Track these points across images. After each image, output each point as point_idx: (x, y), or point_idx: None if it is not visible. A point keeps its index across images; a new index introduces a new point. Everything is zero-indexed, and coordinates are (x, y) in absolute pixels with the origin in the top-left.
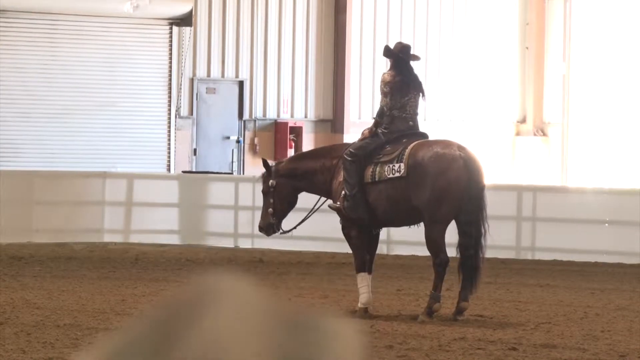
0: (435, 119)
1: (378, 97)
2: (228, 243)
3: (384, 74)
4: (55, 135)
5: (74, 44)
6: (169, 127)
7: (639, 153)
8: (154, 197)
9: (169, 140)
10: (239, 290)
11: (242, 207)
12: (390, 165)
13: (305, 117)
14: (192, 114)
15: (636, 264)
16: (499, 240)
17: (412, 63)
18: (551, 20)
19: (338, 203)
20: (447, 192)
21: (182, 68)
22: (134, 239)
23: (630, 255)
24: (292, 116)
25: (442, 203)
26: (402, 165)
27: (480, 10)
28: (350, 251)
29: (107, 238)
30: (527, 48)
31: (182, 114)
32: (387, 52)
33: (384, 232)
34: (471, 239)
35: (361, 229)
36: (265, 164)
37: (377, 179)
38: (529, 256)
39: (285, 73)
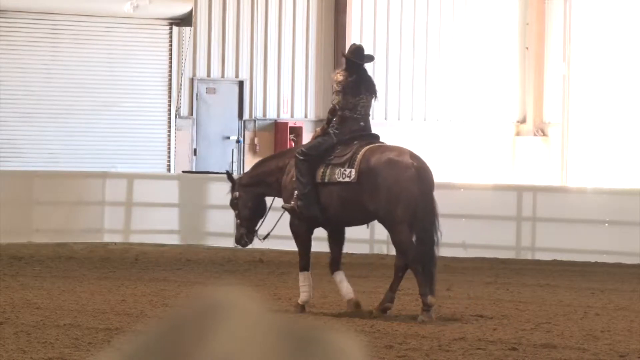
0: (435, 119)
1: (379, 97)
2: (228, 243)
3: (337, 72)
4: (55, 135)
5: (75, 44)
6: (169, 127)
7: (639, 153)
8: (154, 197)
9: (169, 140)
10: (246, 305)
11: None
12: (341, 169)
13: (305, 117)
14: (192, 114)
15: (636, 264)
16: (499, 240)
17: (377, 62)
18: (551, 21)
19: (292, 202)
20: (400, 197)
21: (182, 68)
22: (134, 239)
23: (630, 255)
24: (292, 116)
25: (397, 206)
26: (353, 171)
27: (480, 11)
28: (349, 251)
29: (107, 238)
30: (527, 48)
31: (182, 114)
32: (342, 53)
33: (384, 233)
34: (425, 245)
35: (310, 228)
36: (228, 177)
37: (327, 180)
38: (529, 256)
39: (285, 73)
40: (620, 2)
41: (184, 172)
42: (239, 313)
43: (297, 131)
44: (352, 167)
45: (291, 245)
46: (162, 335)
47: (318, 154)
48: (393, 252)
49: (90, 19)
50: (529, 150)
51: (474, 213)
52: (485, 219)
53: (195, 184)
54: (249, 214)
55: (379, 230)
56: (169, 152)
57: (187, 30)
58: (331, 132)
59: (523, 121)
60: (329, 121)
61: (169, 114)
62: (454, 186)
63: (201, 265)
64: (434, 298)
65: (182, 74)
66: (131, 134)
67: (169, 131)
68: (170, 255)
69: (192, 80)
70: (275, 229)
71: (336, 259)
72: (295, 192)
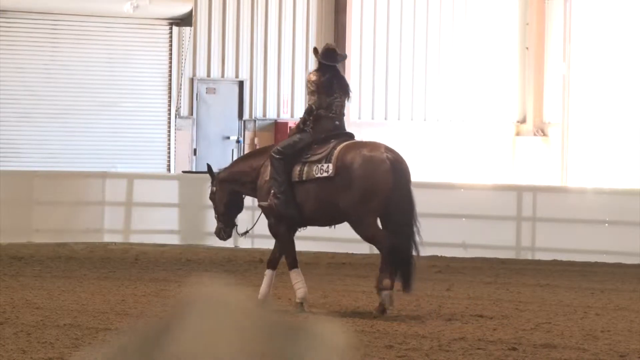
0: (435, 119)
1: (379, 97)
2: (228, 243)
3: (310, 73)
4: (55, 135)
5: (75, 44)
6: (169, 127)
7: (639, 153)
8: (154, 197)
9: (169, 140)
10: (220, 296)
11: None
12: (319, 165)
13: None
14: (192, 114)
15: (636, 264)
16: (499, 240)
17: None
18: (551, 21)
19: (269, 201)
20: (374, 193)
21: (182, 68)
22: (134, 239)
23: (630, 255)
24: (292, 116)
25: (371, 200)
26: (331, 165)
27: (480, 11)
28: (349, 251)
29: (107, 238)
30: (527, 48)
31: (182, 114)
32: (315, 53)
33: None
34: (399, 238)
35: (289, 227)
36: (209, 170)
37: (304, 178)
38: (529, 256)
39: (285, 73)
40: (620, 2)
41: (184, 172)
42: (210, 307)
43: None
44: (330, 162)
45: None
46: (134, 340)
47: (294, 153)
48: None
49: (90, 19)
50: (529, 150)
51: (474, 213)
52: (485, 219)
53: (195, 184)
54: (223, 209)
55: None
56: (169, 152)
57: (187, 30)
58: (307, 130)
59: (523, 121)
60: (304, 120)
61: (169, 114)
62: (454, 186)
63: (201, 265)
64: (390, 282)
65: (182, 74)
66: (131, 134)
67: (169, 131)
68: (170, 256)
69: (192, 80)
70: None
71: (277, 259)
72: (272, 191)
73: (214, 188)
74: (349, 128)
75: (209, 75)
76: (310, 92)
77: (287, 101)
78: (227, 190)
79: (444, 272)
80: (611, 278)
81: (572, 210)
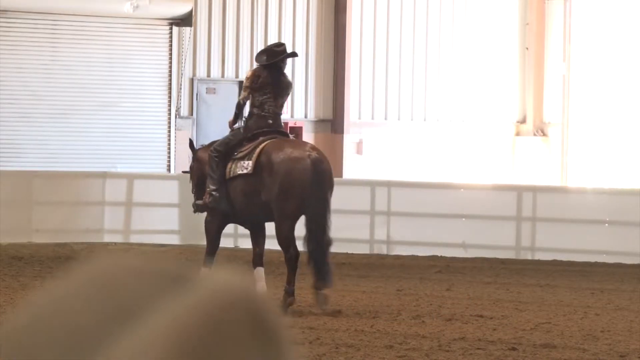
0: (435, 119)
1: (379, 97)
2: (228, 243)
3: (249, 70)
4: (55, 135)
5: (75, 44)
6: (169, 127)
7: (639, 153)
8: (154, 197)
9: (169, 140)
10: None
11: None
12: (242, 162)
13: (305, 117)
14: (192, 114)
15: (636, 264)
16: (499, 240)
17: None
18: (551, 21)
19: (203, 199)
20: (292, 190)
21: (182, 68)
22: (134, 239)
23: (630, 255)
24: (292, 116)
25: (288, 200)
26: (251, 162)
27: (480, 11)
28: (349, 251)
29: (107, 238)
30: (527, 48)
31: (182, 114)
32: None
33: (383, 232)
34: (314, 234)
35: (221, 225)
36: (190, 145)
37: (231, 175)
38: (528, 256)
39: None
40: (620, 3)
41: (184, 172)
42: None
43: (297, 131)
44: (250, 160)
45: None
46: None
47: (227, 150)
48: (393, 252)
49: (90, 19)
50: (528, 150)
51: (473, 213)
52: (485, 219)
53: None
54: (194, 186)
55: (379, 231)
56: (169, 152)
57: (187, 30)
58: (240, 129)
59: (523, 121)
60: (235, 116)
61: (169, 114)
62: (454, 186)
63: (201, 265)
64: (326, 290)
65: (182, 74)
66: (131, 134)
67: (169, 131)
68: (170, 256)
69: (192, 81)
70: None
71: (259, 255)
72: (207, 188)
73: (191, 164)
74: (349, 128)
75: (209, 75)
76: (243, 88)
77: (287, 101)
78: (200, 171)
79: (443, 272)
80: (611, 278)
81: (572, 210)
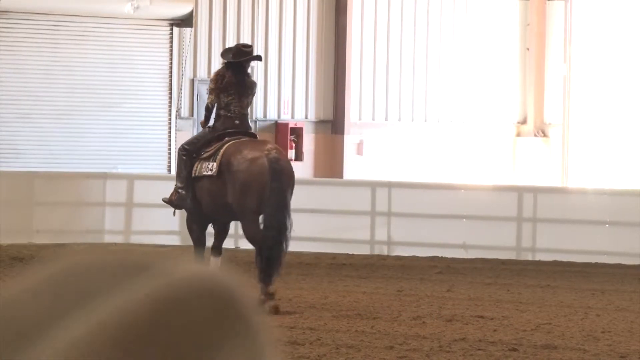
0: (435, 120)
1: (379, 97)
2: (228, 244)
3: (214, 72)
4: (56, 136)
5: (75, 45)
6: (170, 128)
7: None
8: (154, 198)
9: (170, 141)
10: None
11: None
12: (206, 164)
13: (306, 117)
14: (192, 115)
15: (636, 264)
16: (500, 241)
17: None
18: (552, 21)
19: (169, 196)
20: (251, 190)
21: (183, 69)
22: (135, 239)
23: (630, 256)
24: (292, 117)
25: (247, 197)
26: (215, 164)
27: (481, 11)
28: (349, 252)
29: (108, 239)
30: (527, 49)
31: (182, 115)
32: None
33: (384, 233)
34: (269, 231)
35: (200, 224)
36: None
37: (197, 174)
38: (529, 257)
39: (285, 74)
40: (621, 3)
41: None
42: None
43: (297, 132)
44: (215, 161)
45: (291, 246)
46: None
47: (195, 150)
48: (394, 253)
49: (90, 20)
50: (529, 151)
51: (474, 214)
52: (486, 220)
53: None
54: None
55: (380, 232)
56: (170, 153)
57: (187, 31)
58: (207, 129)
59: (524, 122)
60: (206, 118)
61: (170, 114)
62: (455, 187)
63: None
64: (272, 286)
65: (182, 74)
66: (132, 135)
67: (170, 132)
68: (170, 256)
69: (192, 81)
70: None
71: (218, 246)
72: (175, 185)
73: None
74: (350, 129)
75: (209, 76)
76: (210, 91)
77: (288, 102)
78: None
79: (444, 272)
80: (612, 279)
81: (573, 211)
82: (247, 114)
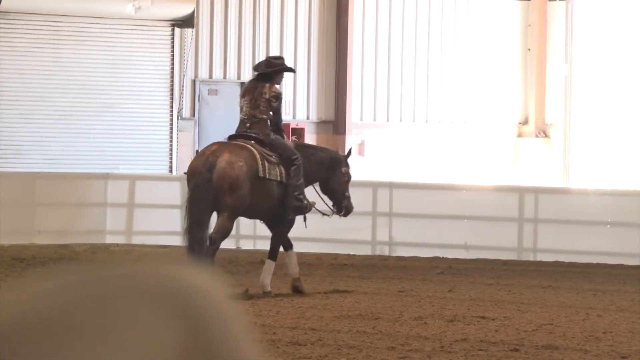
0: (437, 121)
1: (380, 98)
2: (230, 244)
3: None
4: (57, 136)
5: (76, 46)
6: (171, 128)
7: None
8: (156, 198)
9: (171, 141)
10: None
11: None
12: None
13: (307, 118)
14: (194, 116)
15: (638, 265)
16: (501, 241)
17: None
18: (553, 22)
19: None
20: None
21: (184, 69)
22: (136, 240)
23: (632, 256)
24: (294, 117)
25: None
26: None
27: (482, 12)
28: (351, 252)
29: (110, 239)
30: (529, 50)
31: (184, 116)
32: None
33: (385, 233)
34: (190, 237)
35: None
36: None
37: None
38: (530, 257)
39: (287, 75)
40: (621, 4)
41: (185, 173)
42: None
43: (299, 132)
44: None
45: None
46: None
47: None
48: (395, 253)
49: (92, 21)
50: (530, 151)
51: (475, 214)
52: (487, 221)
53: None
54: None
55: (381, 232)
56: (171, 154)
57: (189, 31)
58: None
59: (525, 123)
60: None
61: (171, 115)
62: (456, 187)
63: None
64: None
65: (184, 75)
66: (133, 136)
67: (171, 133)
68: (172, 257)
69: (194, 82)
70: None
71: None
72: None
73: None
74: (351, 129)
75: (210, 76)
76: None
77: (289, 102)
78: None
79: (445, 273)
80: (613, 279)
81: (574, 211)
82: (261, 118)
